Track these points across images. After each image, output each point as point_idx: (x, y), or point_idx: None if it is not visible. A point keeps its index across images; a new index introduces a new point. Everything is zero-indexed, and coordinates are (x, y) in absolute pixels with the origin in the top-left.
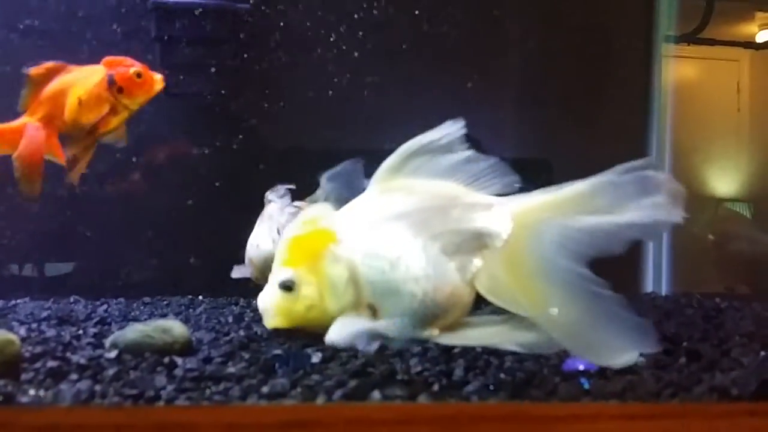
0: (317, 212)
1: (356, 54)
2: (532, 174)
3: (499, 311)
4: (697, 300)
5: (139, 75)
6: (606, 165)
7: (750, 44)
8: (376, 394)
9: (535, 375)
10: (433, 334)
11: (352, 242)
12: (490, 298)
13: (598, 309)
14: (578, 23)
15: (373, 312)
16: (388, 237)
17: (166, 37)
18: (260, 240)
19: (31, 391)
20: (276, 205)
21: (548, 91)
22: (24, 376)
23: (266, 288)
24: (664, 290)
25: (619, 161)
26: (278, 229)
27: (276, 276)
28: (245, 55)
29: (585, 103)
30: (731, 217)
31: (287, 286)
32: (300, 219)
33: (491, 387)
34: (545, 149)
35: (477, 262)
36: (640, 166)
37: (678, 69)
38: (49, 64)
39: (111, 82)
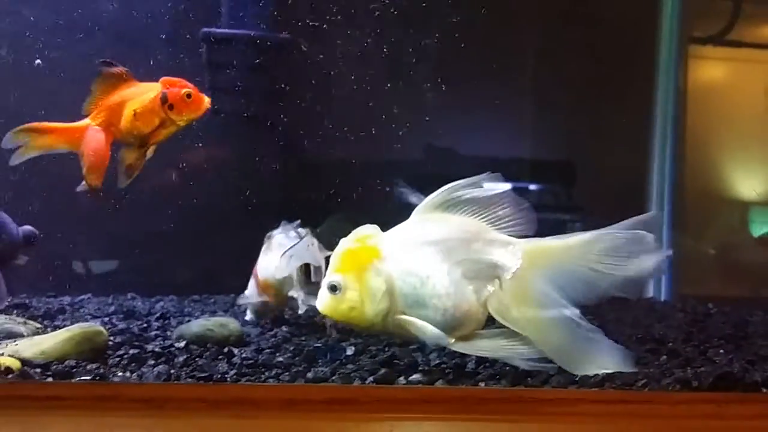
0: (368, 231)
1: (380, 71)
2: (557, 175)
3: (503, 330)
4: (691, 305)
5: (189, 95)
6: (627, 169)
7: None
8: (401, 380)
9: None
10: (450, 341)
11: (393, 260)
12: (498, 318)
13: (580, 336)
14: (600, 25)
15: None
16: (421, 259)
17: (215, 63)
18: (272, 267)
19: (120, 373)
20: (282, 235)
21: (571, 95)
22: (111, 361)
23: (322, 287)
24: (663, 296)
25: (639, 166)
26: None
27: (327, 279)
28: (286, 80)
29: (607, 107)
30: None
31: (333, 287)
32: (354, 235)
33: (497, 377)
34: (568, 152)
35: (490, 288)
36: (641, 223)
37: (704, 71)
38: (119, 68)
39: (164, 100)
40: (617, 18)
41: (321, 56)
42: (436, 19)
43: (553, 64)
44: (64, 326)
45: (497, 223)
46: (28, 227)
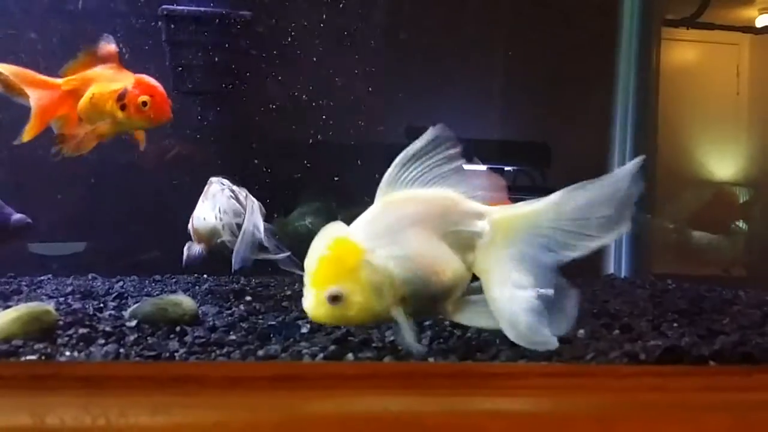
0: (338, 232)
1: (347, 50)
2: (532, 156)
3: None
4: (650, 282)
5: (144, 104)
6: (600, 147)
7: (750, 29)
8: (350, 356)
9: (487, 344)
10: (448, 310)
11: (380, 250)
12: (482, 278)
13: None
14: (574, 6)
15: (405, 301)
16: (410, 241)
17: (174, 41)
18: (206, 214)
19: (67, 353)
20: (218, 186)
21: (544, 77)
22: (59, 341)
23: (308, 297)
24: (623, 272)
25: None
26: (219, 207)
27: (321, 292)
28: (245, 57)
29: (580, 88)
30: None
31: (335, 298)
32: (324, 240)
33: (448, 352)
34: (543, 133)
35: (472, 255)
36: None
37: (677, 52)
38: (112, 48)
39: (120, 97)
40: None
41: (283, 32)
42: None
43: (521, 46)
44: None
45: (459, 186)
46: (20, 215)
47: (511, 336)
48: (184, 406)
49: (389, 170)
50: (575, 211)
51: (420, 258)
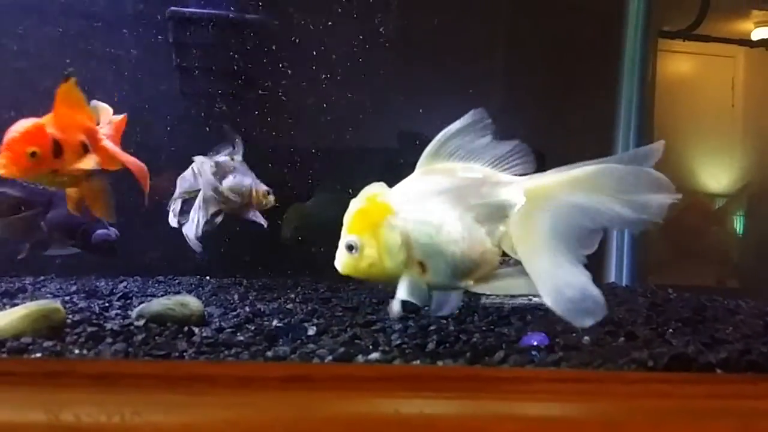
0: (376, 189)
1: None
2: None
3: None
4: (651, 291)
5: (33, 154)
6: (598, 156)
7: (745, 41)
8: (359, 359)
9: (493, 348)
10: (469, 284)
11: (405, 213)
12: (511, 254)
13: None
14: (572, 18)
15: (422, 268)
16: (433, 209)
17: (181, 42)
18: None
19: (76, 351)
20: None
21: (541, 86)
22: (68, 339)
23: (339, 247)
24: (624, 281)
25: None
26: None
27: (344, 239)
28: (252, 60)
29: (577, 98)
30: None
31: (350, 247)
32: (362, 195)
33: (456, 356)
34: (538, 141)
35: (502, 228)
36: (644, 155)
37: (673, 64)
38: (69, 86)
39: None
40: (584, 10)
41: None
42: (408, 4)
43: (521, 54)
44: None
45: (497, 164)
46: (102, 231)
47: (556, 306)
48: (198, 405)
49: (429, 145)
50: (609, 186)
51: (439, 225)
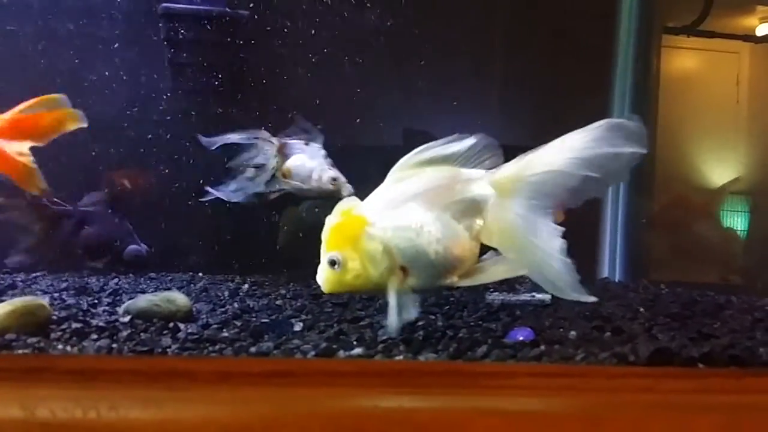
0: (348, 204)
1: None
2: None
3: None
4: (643, 286)
5: None
6: None
7: (750, 37)
8: (341, 354)
9: (478, 342)
10: (454, 281)
11: (382, 222)
12: (492, 246)
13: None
14: (574, 12)
15: (404, 272)
16: (410, 213)
17: (173, 40)
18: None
19: (60, 347)
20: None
21: (541, 81)
22: (53, 335)
23: (320, 266)
24: (618, 277)
25: None
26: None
27: (325, 257)
28: (243, 56)
29: (579, 94)
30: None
31: (333, 263)
32: (336, 211)
33: (438, 350)
34: (536, 138)
35: (479, 222)
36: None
37: (678, 60)
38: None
39: None
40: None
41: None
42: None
43: (519, 50)
44: None
45: (466, 162)
46: (134, 247)
47: (550, 287)
48: (176, 401)
49: (405, 157)
50: (570, 160)
51: (417, 228)
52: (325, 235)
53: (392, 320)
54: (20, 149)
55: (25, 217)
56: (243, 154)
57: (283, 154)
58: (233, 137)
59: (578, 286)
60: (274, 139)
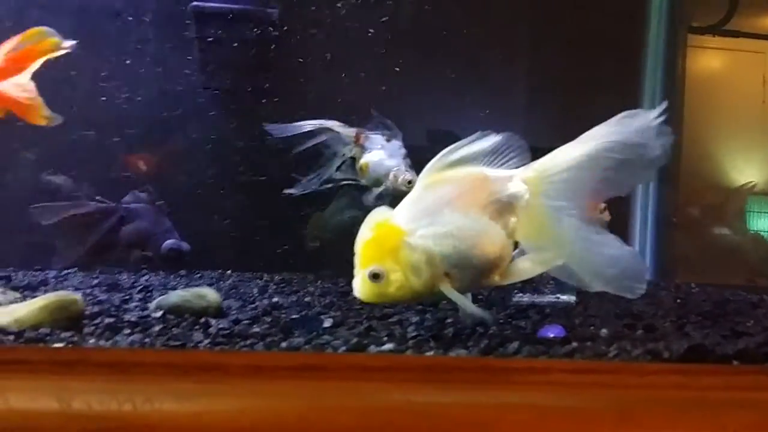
0: (381, 216)
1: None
2: None
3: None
4: (674, 286)
5: None
6: None
7: None
8: (372, 349)
9: (509, 339)
10: (495, 280)
11: (421, 231)
12: (527, 244)
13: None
14: (594, 12)
15: (449, 278)
16: (448, 219)
17: (204, 38)
18: None
19: (92, 341)
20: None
21: (567, 82)
22: (86, 330)
23: (355, 280)
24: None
25: None
26: None
27: (365, 271)
28: (273, 54)
29: (604, 93)
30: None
31: (375, 275)
32: (369, 224)
33: (469, 346)
34: (564, 139)
35: (513, 220)
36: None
37: (703, 60)
38: None
39: None
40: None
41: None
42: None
43: (546, 51)
44: None
45: (493, 161)
46: (171, 242)
47: (593, 279)
48: (209, 394)
49: (432, 161)
50: (601, 157)
51: (459, 233)
52: (361, 249)
53: (473, 309)
54: (21, 82)
55: (70, 215)
56: (312, 142)
57: (362, 146)
58: (305, 125)
59: (633, 271)
60: (351, 129)
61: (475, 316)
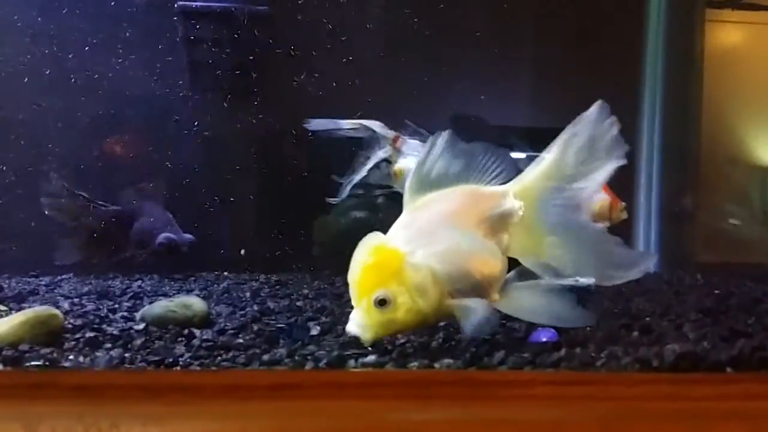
0: (376, 241)
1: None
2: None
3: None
4: (678, 277)
5: None
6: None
7: None
8: (352, 363)
9: (496, 346)
10: (495, 299)
11: (420, 250)
12: (522, 260)
13: (598, 245)
14: None
15: (451, 296)
16: (446, 237)
17: (190, 37)
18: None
19: (71, 357)
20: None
21: (574, 62)
22: (66, 345)
23: (355, 313)
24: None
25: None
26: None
27: (368, 299)
28: (261, 53)
29: (612, 72)
30: None
31: (382, 301)
32: (364, 250)
33: (456, 355)
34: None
35: (506, 237)
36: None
37: (722, 35)
38: None
39: None
40: None
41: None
42: None
43: (551, 30)
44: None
45: (481, 177)
46: (165, 236)
47: (600, 275)
48: (178, 416)
49: (407, 181)
50: (574, 157)
51: (458, 251)
52: (360, 275)
53: (483, 315)
54: None
55: (75, 218)
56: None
57: (398, 150)
58: (343, 123)
59: (635, 260)
60: (391, 132)
61: (491, 322)
